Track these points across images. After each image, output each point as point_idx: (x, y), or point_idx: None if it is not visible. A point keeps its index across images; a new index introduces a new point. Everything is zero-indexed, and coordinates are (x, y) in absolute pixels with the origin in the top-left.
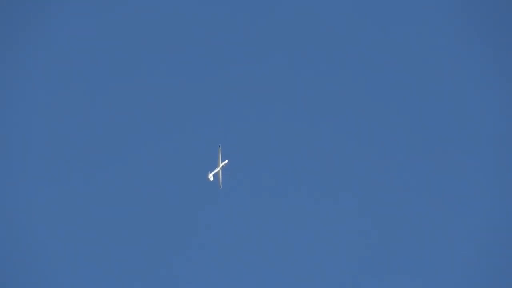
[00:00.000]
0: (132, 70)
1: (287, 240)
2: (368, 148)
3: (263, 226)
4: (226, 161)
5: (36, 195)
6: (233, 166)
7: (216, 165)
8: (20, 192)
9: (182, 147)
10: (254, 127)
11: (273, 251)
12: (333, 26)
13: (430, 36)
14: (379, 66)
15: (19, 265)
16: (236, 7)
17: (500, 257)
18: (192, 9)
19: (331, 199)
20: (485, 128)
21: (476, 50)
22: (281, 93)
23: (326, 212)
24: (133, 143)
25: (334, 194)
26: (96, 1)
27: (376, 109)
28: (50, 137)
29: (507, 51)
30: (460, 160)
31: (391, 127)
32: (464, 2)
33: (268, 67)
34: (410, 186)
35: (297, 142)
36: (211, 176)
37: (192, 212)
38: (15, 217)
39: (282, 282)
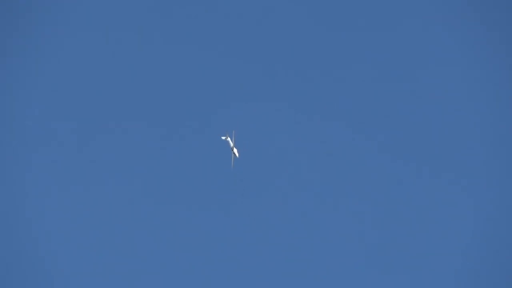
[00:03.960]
0: (133, 70)
1: (288, 241)
2: (366, 148)
3: (267, 227)
4: (237, 154)
5: (39, 195)
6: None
7: (231, 145)
8: (22, 191)
9: (186, 146)
10: (255, 127)
11: (274, 251)
12: (332, 27)
13: (428, 39)
14: (378, 66)
15: (20, 263)
16: (235, 8)
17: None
18: (194, 9)
19: (333, 200)
20: (483, 128)
21: (474, 51)
22: (281, 93)
23: (327, 213)
24: (135, 141)
25: (336, 195)
26: (97, 1)
27: (376, 109)
28: (52, 136)
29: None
30: (458, 161)
31: (390, 127)
32: (463, 2)
33: (266, 68)
34: (409, 186)
35: (296, 143)
36: (226, 138)
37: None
38: (16, 216)
39: (282, 282)
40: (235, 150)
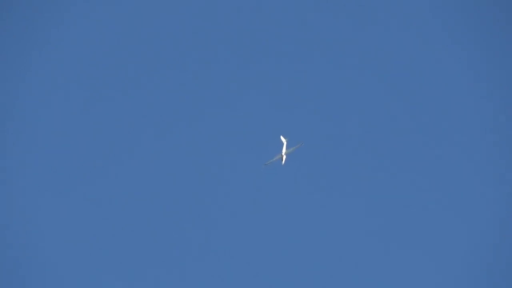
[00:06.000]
0: (135, 71)
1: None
2: (367, 148)
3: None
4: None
5: (38, 198)
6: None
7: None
8: (22, 194)
9: (187, 149)
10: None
11: (276, 247)
12: (330, 27)
13: (427, 38)
14: (377, 66)
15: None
16: (234, 8)
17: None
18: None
19: (333, 197)
20: (482, 128)
21: (473, 51)
22: (279, 92)
23: (326, 210)
24: (137, 143)
25: (336, 192)
26: (99, 2)
27: (374, 109)
28: (54, 137)
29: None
30: (456, 161)
31: (390, 126)
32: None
33: (264, 69)
34: (408, 186)
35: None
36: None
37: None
38: (17, 219)
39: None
40: (284, 156)
